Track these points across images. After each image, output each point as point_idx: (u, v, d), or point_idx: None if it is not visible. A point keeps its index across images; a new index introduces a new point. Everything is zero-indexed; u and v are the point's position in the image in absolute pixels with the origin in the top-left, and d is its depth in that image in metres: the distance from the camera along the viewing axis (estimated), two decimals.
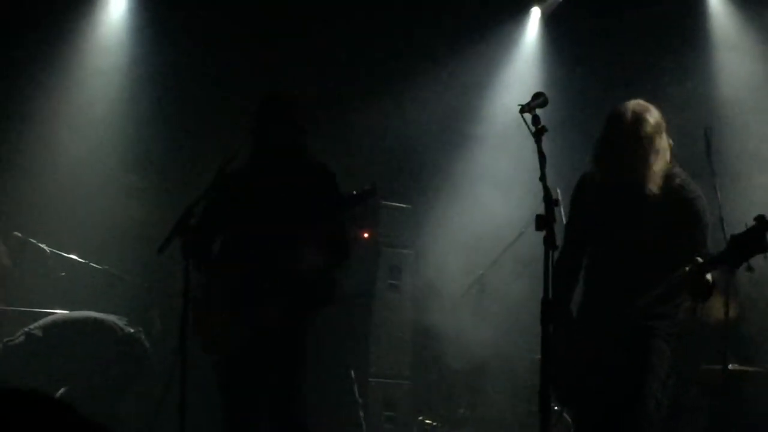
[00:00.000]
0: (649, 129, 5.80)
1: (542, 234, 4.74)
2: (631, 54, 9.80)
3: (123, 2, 10.21)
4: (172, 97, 9.98)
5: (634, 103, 5.89)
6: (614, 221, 5.88)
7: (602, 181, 5.96)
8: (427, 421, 9.29)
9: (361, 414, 8.87)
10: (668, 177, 5.82)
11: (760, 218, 5.19)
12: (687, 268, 5.41)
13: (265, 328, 5.89)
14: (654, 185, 5.76)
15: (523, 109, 4.99)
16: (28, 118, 9.68)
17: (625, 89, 6.27)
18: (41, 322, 8.05)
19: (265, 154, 6.18)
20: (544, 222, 4.73)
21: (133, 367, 8.14)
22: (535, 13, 10.65)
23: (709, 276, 5.43)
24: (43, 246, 8.56)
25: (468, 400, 9.55)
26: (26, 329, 7.98)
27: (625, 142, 5.82)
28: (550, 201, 4.76)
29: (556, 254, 4.80)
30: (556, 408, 6.01)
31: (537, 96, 5.08)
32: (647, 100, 5.92)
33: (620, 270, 5.84)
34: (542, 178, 4.84)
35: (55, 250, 8.53)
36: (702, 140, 7.08)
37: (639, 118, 5.80)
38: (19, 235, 8.61)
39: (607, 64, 9.76)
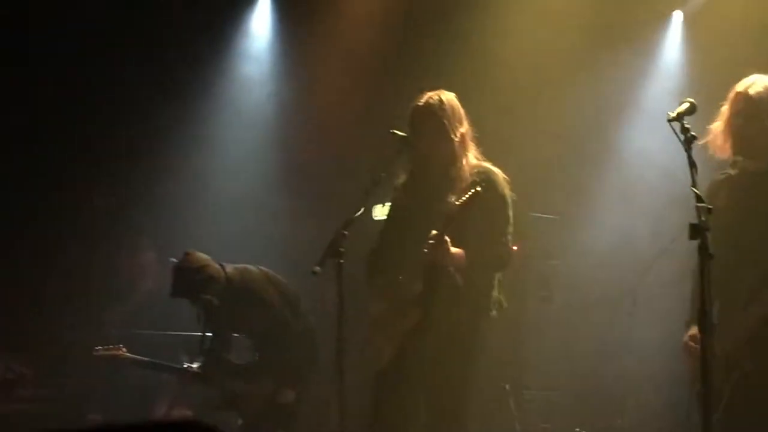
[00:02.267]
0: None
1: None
2: None
3: (267, 21, 10.52)
4: (318, 120, 10.18)
5: (756, 77, 5.78)
6: (736, 218, 5.79)
7: (727, 179, 5.88)
8: None
9: (518, 427, 8.86)
10: None
11: None
12: None
13: (429, 332, 5.96)
14: None
15: (671, 117, 4.96)
16: (183, 143, 10.04)
17: None
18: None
19: (419, 164, 6.25)
20: (697, 231, 4.69)
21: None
22: (677, 17, 10.47)
23: None
24: None
25: (625, 410, 9.46)
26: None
27: (743, 121, 5.73)
28: (702, 209, 4.73)
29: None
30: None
31: (685, 104, 5.06)
32: None
33: (744, 272, 5.75)
34: (694, 185, 4.81)
35: None
36: None
37: (761, 96, 5.70)
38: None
39: (754, 66, 9.55)
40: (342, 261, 5.79)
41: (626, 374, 9.39)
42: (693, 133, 4.90)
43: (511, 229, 6.16)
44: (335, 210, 7.78)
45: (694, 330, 5.64)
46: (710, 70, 9.77)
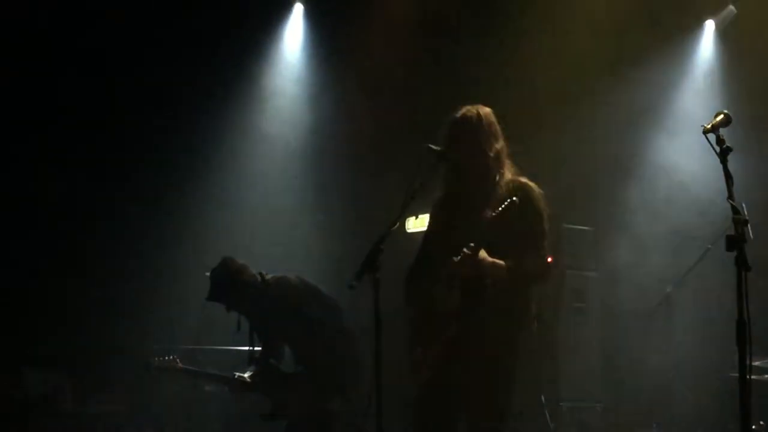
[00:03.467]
0: None
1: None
2: None
3: (300, 32, 10.65)
4: (353, 139, 10.25)
5: None
6: None
7: None
8: None
9: None
10: None
11: None
12: None
13: (468, 346, 5.96)
14: None
15: (706, 129, 4.95)
16: (232, 165, 10.21)
17: None
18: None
19: (455, 179, 6.25)
20: (734, 242, 4.67)
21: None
22: (709, 27, 10.45)
23: None
24: None
25: (661, 420, 9.44)
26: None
27: None
28: (739, 221, 4.71)
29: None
30: (754, 427, 5.92)
31: (719, 115, 5.04)
32: None
33: None
34: (730, 197, 4.79)
35: None
36: None
37: None
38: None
39: None
40: (378, 275, 5.78)
41: (661, 385, 9.37)
42: (728, 144, 4.88)
43: (546, 242, 6.15)
44: (370, 224, 7.80)
45: None
46: (743, 80, 9.77)
